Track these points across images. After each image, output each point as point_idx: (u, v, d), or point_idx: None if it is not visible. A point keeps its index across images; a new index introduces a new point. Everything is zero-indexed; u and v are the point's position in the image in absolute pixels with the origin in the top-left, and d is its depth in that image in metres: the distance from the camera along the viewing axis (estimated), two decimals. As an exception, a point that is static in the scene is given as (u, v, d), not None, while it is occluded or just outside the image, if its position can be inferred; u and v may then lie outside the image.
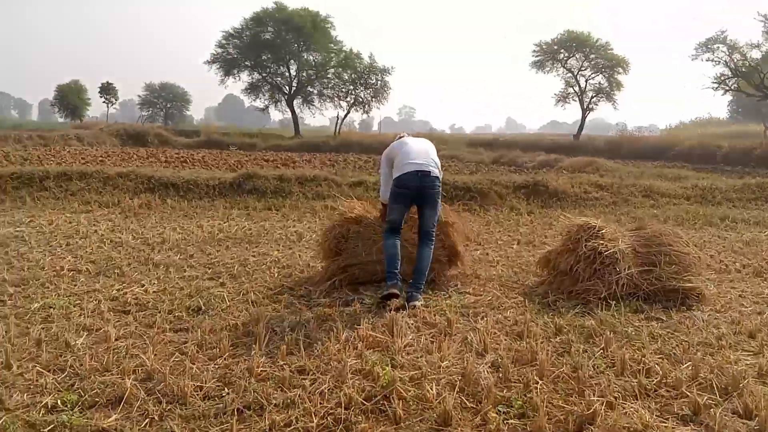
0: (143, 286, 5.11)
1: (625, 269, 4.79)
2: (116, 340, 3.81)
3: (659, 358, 3.58)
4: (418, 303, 4.56)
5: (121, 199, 10.10)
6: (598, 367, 3.40)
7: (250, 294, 4.88)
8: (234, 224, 8.39)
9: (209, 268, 5.80)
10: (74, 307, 4.50)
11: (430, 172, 4.85)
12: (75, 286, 5.07)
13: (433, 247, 4.94)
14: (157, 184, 10.87)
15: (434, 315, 4.38)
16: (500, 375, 3.28)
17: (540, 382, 3.17)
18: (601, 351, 3.66)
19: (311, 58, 41.72)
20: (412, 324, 4.15)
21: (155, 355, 3.56)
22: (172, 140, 30.77)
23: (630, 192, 10.94)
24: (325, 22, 40.96)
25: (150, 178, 11.02)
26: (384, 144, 27.05)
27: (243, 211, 9.64)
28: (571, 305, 4.66)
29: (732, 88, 27.58)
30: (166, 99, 65.33)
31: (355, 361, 3.41)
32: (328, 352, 3.55)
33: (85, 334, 3.91)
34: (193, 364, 3.40)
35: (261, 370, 3.30)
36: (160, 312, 4.38)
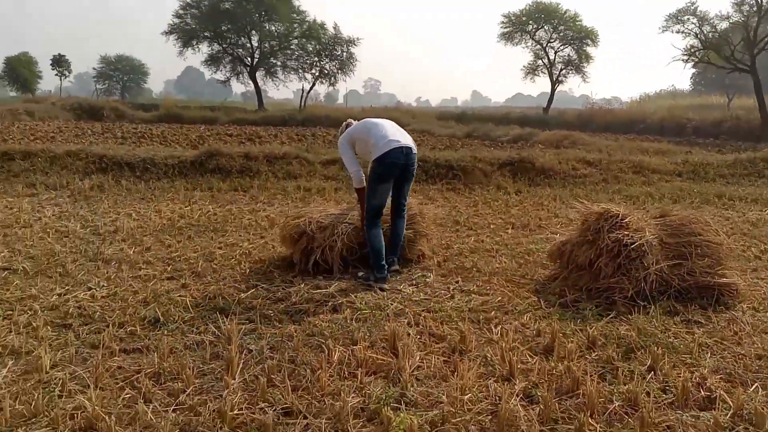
0: (90, 289, 4.29)
1: (653, 264, 4.17)
2: (51, 369, 3.03)
3: (720, 379, 2.97)
4: (397, 267, 4.80)
5: (70, 180, 9.09)
6: (655, 398, 2.76)
7: (218, 299, 4.11)
8: (197, 208, 7.53)
9: (169, 264, 4.99)
10: (2, 320, 3.67)
11: (412, 148, 4.79)
12: (7, 291, 4.22)
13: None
14: (111, 163, 9.88)
15: (441, 324, 3.68)
16: (540, 412, 2.61)
17: (590, 420, 2.51)
18: (651, 372, 3.02)
19: (273, 28, 40.09)
20: (417, 336, 3.46)
21: (100, 389, 2.80)
22: (129, 114, 29.18)
23: (619, 168, 10.40)
24: (287, -9, 39.35)
25: (102, 157, 10.01)
26: (352, 117, 26.18)
27: (206, 192, 8.76)
28: (595, 306, 4.03)
29: (702, 60, 27.29)
30: (122, 71, 62.71)
31: (355, 399, 2.70)
32: (319, 383, 2.82)
33: (11, 361, 3.11)
34: (148, 405, 2.65)
35: (235, 414, 2.57)
36: (108, 325, 3.59)
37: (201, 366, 3.06)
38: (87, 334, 3.48)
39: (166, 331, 3.52)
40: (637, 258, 4.18)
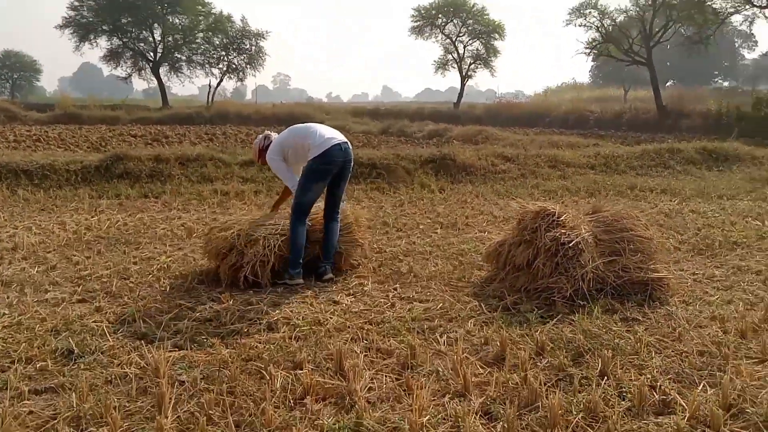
0: (-13, 319, 3.79)
1: (590, 261, 4.18)
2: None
3: (671, 380, 2.96)
4: (331, 275, 4.66)
5: (-44, 191, 8.21)
6: (613, 405, 2.71)
7: (138, 323, 3.74)
8: (105, 218, 6.98)
9: (79, 285, 4.52)
10: None
11: (350, 144, 4.82)
12: None
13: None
14: (4, 170, 8.99)
15: (385, 337, 3.51)
16: (502, 429, 2.49)
17: (555, 436, 2.42)
18: (604, 377, 2.98)
19: (177, 21, 38.42)
20: (363, 354, 3.26)
21: (7, 443, 2.42)
22: (22, 115, 26.97)
23: (536, 163, 10.62)
24: (191, -19, 37.79)
25: (-7, 163, 9.10)
26: (262, 114, 25.68)
27: (114, 200, 8.16)
28: (536, 308, 3.99)
29: (603, 53, 28.65)
30: (12, 69, 58.25)
31: (308, 432, 2.47)
32: (265, 416, 2.57)
33: None
34: (68, 459, 2.31)
35: (174, 463, 2.28)
36: (14, 362, 3.16)
37: (127, 405, 2.72)
38: (-12, 374, 3.04)
39: (82, 365, 3.13)
40: (574, 256, 4.17)
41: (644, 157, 11.20)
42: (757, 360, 3.23)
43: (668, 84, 51.49)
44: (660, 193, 8.89)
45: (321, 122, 4.91)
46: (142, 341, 3.45)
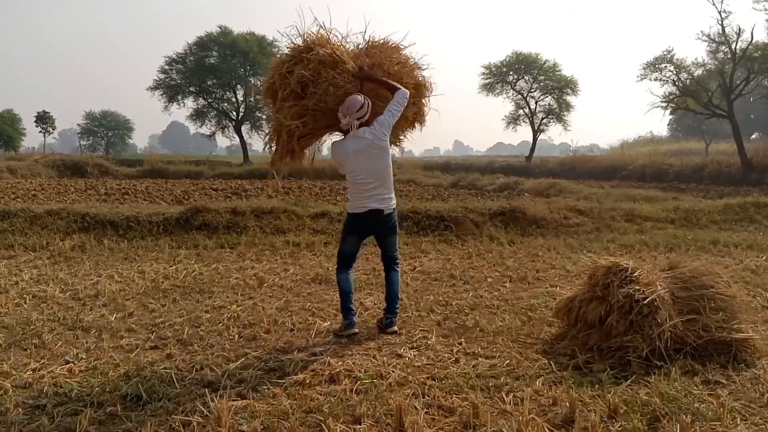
0: (67, 363, 3.98)
1: (667, 320, 3.96)
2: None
3: (758, 450, 2.73)
4: (395, 328, 4.64)
5: (50, 240, 8.77)
6: (693, 475, 2.51)
7: (205, 370, 3.82)
8: (182, 267, 7.25)
9: (152, 332, 4.69)
10: (-32, 403, 3.35)
11: (383, 210, 4.59)
12: (-24, 366, 3.90)
13: (399, 269, 4.88)
14: (93, 222, 9.57)
15: (448, 394, 3.41)
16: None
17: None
18: (683, 444, 2.77)
19: (259, 82, 40.56)
20: (424, 410, 3.18)
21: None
22: (113, 170, 28.92)
23: (611, 216, 10.30)
24: (272, 47, 39.97)
25: (84, 215, 9.70)
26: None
27: (192, 250, 8.48)
28: (610, 368, 3.79)
29: (680, 106, 27.84)
30: (107, 127, 62.95)
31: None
32: (322, 470, 2.54)
33: (-25, 452, 2.79)
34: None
35: None
36: (86, 405, 3.28)
37: (189, 452, 2.76)
38: (62, 417, 3.16)
39: (149, 411, 3.22)
40: (650, 314, 3.96)
41: (728, 211, 10.64)
42: None
43: (753, 137, 49.24)
44: (746, 248, 8.38)
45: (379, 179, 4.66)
46: (208, 389, 3.51)
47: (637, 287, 4.04)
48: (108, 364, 3.94)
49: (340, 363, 3.91)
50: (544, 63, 38.78)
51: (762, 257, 7.77)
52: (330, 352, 4.13)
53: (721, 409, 3.13)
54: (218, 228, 9.43)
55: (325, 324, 4.85)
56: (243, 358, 4.04)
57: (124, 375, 3.74)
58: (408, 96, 4.59)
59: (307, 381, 3.63)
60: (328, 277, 6.62)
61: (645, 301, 3.95)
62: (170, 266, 7.32)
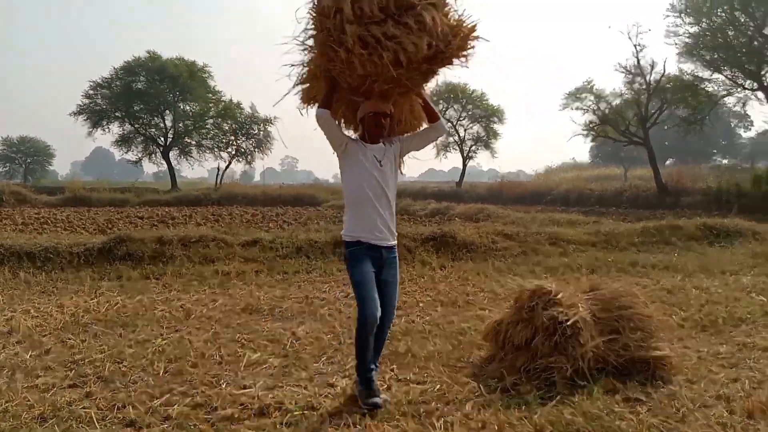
0: (-26, 406, 3.72)
1: (589, 340, 4.11)
2: None
3: (675, 464, 2.85)
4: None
5: (-42, 275, 8.24)
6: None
7: (128, 408, 3.66)
8: (104, 300, 6.94)
9: (71, 370, 4.45)
10: None
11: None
12: None
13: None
14: (7, 253, 9.02)
15: (380, 422, 3.41)
16: None
17: None
18: (605, 462, 2.87)
19: (188, 108, 39.83)
20: (356, 439, 3.16)
21: None
22: (32, 198, 27.46)
23: (536, 240, 10.64)
24: (203, 72, 39.43)
25: (-3, 246, 9.18)
26: (268, 195, 25.97)
27: (115, 282, 8.14)
28: (536, 389, 3.89)
29: (600, 134, 29.27)
30: (26, 153, 60.03)
31: None
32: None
33: None
34: None
35: None
36: (-5, 451, 3.07)
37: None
38: (-33, 465, 2.95)
39: (65, 454, 3.05)
40: (573, 335, 4.11)
41: (645, 234, 11.20)
42: (765, 442, 3.12)
43: (668, 162, 52.29)
44: (662, 269, 8.84)
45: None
46: (131, 428, 3.37)
47: (561, 309, 4.18)
48: (21, 406, 3.71)
49: (270, 395, 3.83)
50: (472, 93, 39.91)
51: (677, 277, 8.20)
52: (260, 385, 4.05)
53: (641, 426, 3.27)
54: (143, 258, 9.11)
55: (255, 355, 4.75)
56: (168, 394, 3.89)
57: (38, 417, 3.53)
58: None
59: (236, 416, 3.54)
60: (259, 306, 6.51)
61: (568, 323, 4.09)
62: (91, 299, 7.00)
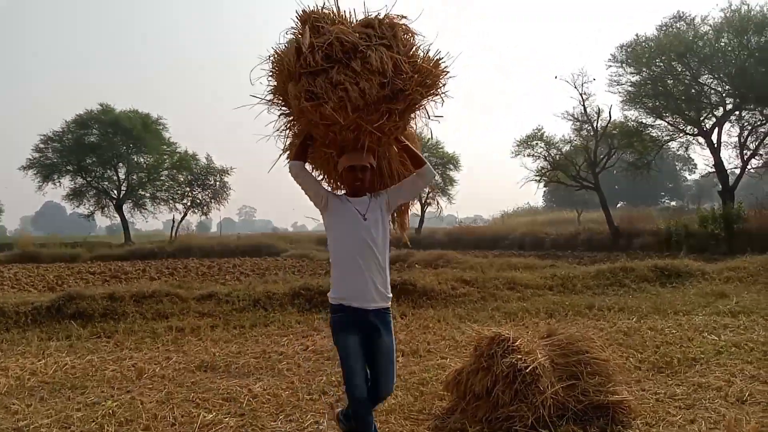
0: None
1: (549, 387, 4.13)
2: None
3: None
4: None
5: None
6: None
7: (74, 478, 3.47)
8: (52, 361, 6.64)
9: (14, 438, 4.22)
10: None
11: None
12: None
13: None
14: (-53, 316, 8.62)
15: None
16: None
17: None
18: None
19: (142, 160, 39.32)
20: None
21: None
22: (-23, 256, 26.44)
23: (495, 285, 10.73)
24: (157, 124, 39.16)
25: (-64, 309, 8.74)
26: (226, 246, 25.52)
27: (64, 341, 7.81)
28: (498, 439, 3.86)
29: (552, 179, 30.05)
30: (-29, 211, 58.05)
31: None
32: None
33: None
34: None
35: None
36: None
37: None
38: None
39: None
40: (532, 382, 4.12)
41: (600, 277, 11.44)
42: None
43: (619, 205, 53.92)
44: (618, 311, 8.99)
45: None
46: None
47: (519, 356, 4.20)
48: (-44, 481, 3.48)
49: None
50: (428, 141, 40.69)
51: (632, 319, 8.34)
52: (215, 445, 3.90)
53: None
54: (94, 316, 8.81)
55: (210, 416, 4.59)
56: (118, 461, 3.71)
57: (-25, 492, 3.31)
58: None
59: (190, 481, 3.39)
60: (214, 363, 6.33)
61: (527, 370, 4.11)
62: (38, 360, 6.70)
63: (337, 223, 3.55)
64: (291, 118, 3.75)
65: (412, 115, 3.64)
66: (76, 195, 38.01)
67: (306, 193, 3.62)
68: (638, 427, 4.04)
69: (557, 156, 29.13)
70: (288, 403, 4.88)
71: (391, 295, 3.60)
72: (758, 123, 24.93)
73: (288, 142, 3.90)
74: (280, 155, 3.90)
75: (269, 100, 3.73)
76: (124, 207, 38.36)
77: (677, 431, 3.94)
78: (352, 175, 3.55)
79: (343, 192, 3.71)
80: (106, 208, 38.83)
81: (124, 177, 38.41)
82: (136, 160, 38.77)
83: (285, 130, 3.87)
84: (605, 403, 4.20)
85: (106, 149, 36.91)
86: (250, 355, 6.70)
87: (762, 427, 3.96)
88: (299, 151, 3.63)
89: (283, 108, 3.70)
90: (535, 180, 29.77)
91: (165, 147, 39.30)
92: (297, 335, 7.81)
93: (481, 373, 4.32)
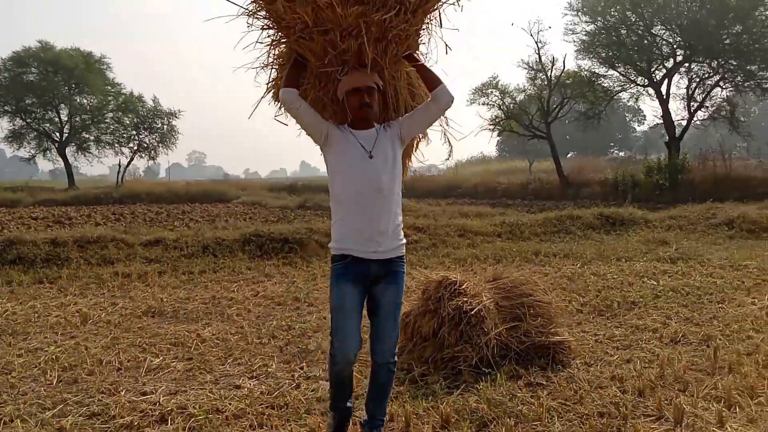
0: None
1: (492, 328, 4.24)
2: None
3: (572, 444, 2.99)
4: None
5: None
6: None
7: (16, 422, 3.41)
8: (-9, 308, 6.45)
9: (-50, 384, 4.11)
10: None
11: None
12: None
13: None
14: None
15: (287, 422, 3.35)
16: None
17: None
18: (507, 446, 2.96)
19: (85, 101, 37.64)
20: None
21: None
22: None
23: (446, 232, 10.87)
24: (100, 63, 37.36)
25: None
26: (175, 192, 24.90)
27: (5, 287, 7.58)
28: (443, 378, 3.97)
29: (506, 128, 30.29)
30: None
31: None
32: None
33: None
34: None
35: None
36: None
37: None
38: None
39: (-60, 478, 2.80)
40: (477, 324, 4.22)
41: (547, 224, 11.72)
42: (653, 417, 3.32)
43: (569, 155, 54.92)
44: (563, 257, 9.26)
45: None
46: (17, 444, 3.13)
47: (465, 299, 4.29)
48: None
49: (172, 401, 3.68)
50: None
51: (577, 265, 8.61)
52: (161, 390, 3.88)
53: (541, 409, 3.39)
54: (35, 261, 8.55)
55: (157, 360, 4.56)
56: (62, 405, 3.66)
57: None
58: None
59: (135, 423, 3.38)
60: (162, 309, 6.26)
61: (472, 312, 4.20)
62: (-24, 308, 6.48)
63: (338, 162, 3.03)
64: (276, 31, 3.10)
65: (425, 21, 3.03)
66: (15, 137, 36.29)
67: (302, 126, 3.07)
68: (577, 366, 4.21)
69: (511, 105, 29.28)
70: (237, 347, 4.88)
71: (404, 241, 3.23)
72: (706, 75, 25.50)
73: (273, 75, 3.28)
74: (262, 97, 3.32)
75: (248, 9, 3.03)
76: (68, 150, 36.89)
77: (614, 370, 4.11)
78: (357, 99, 2.96)
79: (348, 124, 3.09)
80: (48, 151, 37.27)
81: (66, 119, 36.77)
82: (78, 101, 37.07)
83: (268, 51, 3.20)
84: (546, 343, 4.34)
85: (46, 89, 35.15)
86: (199, 301, 6.64)
87: (692, 366, 4.19)
88: (291, 76, 3.04)
89: (266, 20, 3.05)
90: (489, 129, 29.98)
91: (109, 88, 37.65)
92: (247, 281, 7.78)
93: (428, 316, 4.40)
